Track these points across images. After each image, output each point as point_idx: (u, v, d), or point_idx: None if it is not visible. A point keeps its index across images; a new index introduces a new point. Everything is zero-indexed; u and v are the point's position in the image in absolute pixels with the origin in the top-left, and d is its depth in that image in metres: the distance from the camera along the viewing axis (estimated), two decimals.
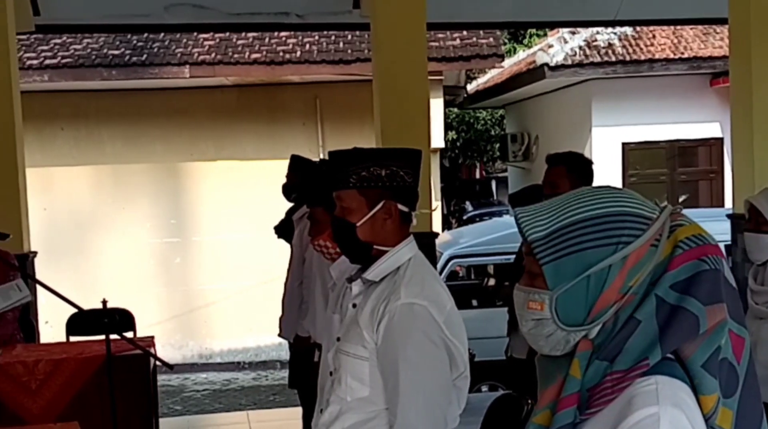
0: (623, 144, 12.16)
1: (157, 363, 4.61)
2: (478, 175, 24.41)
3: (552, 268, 1.34)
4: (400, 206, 2.29)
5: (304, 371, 4.59)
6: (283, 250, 5.85)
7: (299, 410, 5.44)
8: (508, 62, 14.05)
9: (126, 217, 10.72)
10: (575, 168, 4.09)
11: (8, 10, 5.58)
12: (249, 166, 10.62)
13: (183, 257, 10.99)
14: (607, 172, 11.24)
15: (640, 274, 1.34)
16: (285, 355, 9.90)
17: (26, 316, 5.43)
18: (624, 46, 11.83)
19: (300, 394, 5.24)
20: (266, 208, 7.82)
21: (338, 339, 2.35)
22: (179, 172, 10.92)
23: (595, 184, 2.61)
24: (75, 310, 5.57)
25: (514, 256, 5.90)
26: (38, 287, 4.17)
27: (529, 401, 3.01)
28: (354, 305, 2.31)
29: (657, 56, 11.69)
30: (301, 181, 4.94)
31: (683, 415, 1.26)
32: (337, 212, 2.36)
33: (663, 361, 1.31)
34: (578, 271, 1.33)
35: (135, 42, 10.34)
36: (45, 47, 10.26)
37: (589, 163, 4.18)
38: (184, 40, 10.28)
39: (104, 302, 3.29)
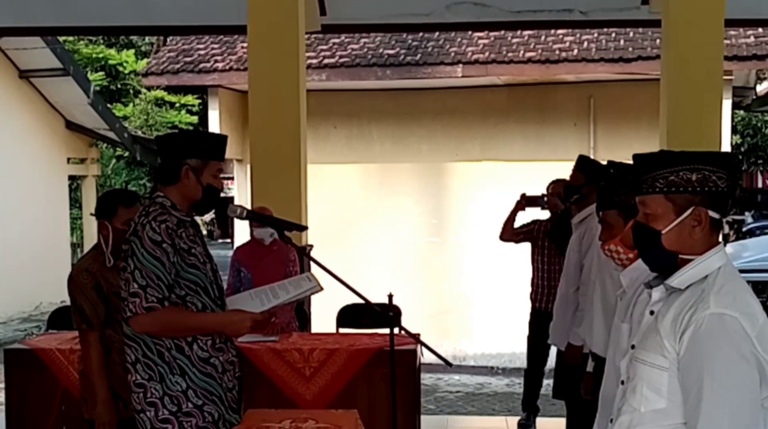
0: None
1: (421, 359, 4.60)
2: (760, 184, 22.75)
3: None
4: (710, 213, 2.15)
5: (573, 381, 4.40)
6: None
7: (560, 421, 5.24)
8: None
9: (390, 215, 10.95)
10: None
11: (299, 10, 5.81)
12: (515, 168, 10.41)
13: (442, 257, 11.05)
14: None
15: None
16: None
17: (301, 305, 5.67)
18: None
19: (567, 404, 5.04)
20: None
21: (633, 347, 2.26)
22: (443, 171, 10.98)
23: None
24: (343, 304, 5.77)
25: None
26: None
27: None
28: (652, 312, 2.22)
29: None
30: (587, 182, 4.72)
31: None
32: (639, 218, 2.25)
33: None
34: None
35: (410, 41, 10.48)
36: (324, 47, 10.65)
37: None
38: (459, 39, 10.28)
39: (390, 296, 3.32)
